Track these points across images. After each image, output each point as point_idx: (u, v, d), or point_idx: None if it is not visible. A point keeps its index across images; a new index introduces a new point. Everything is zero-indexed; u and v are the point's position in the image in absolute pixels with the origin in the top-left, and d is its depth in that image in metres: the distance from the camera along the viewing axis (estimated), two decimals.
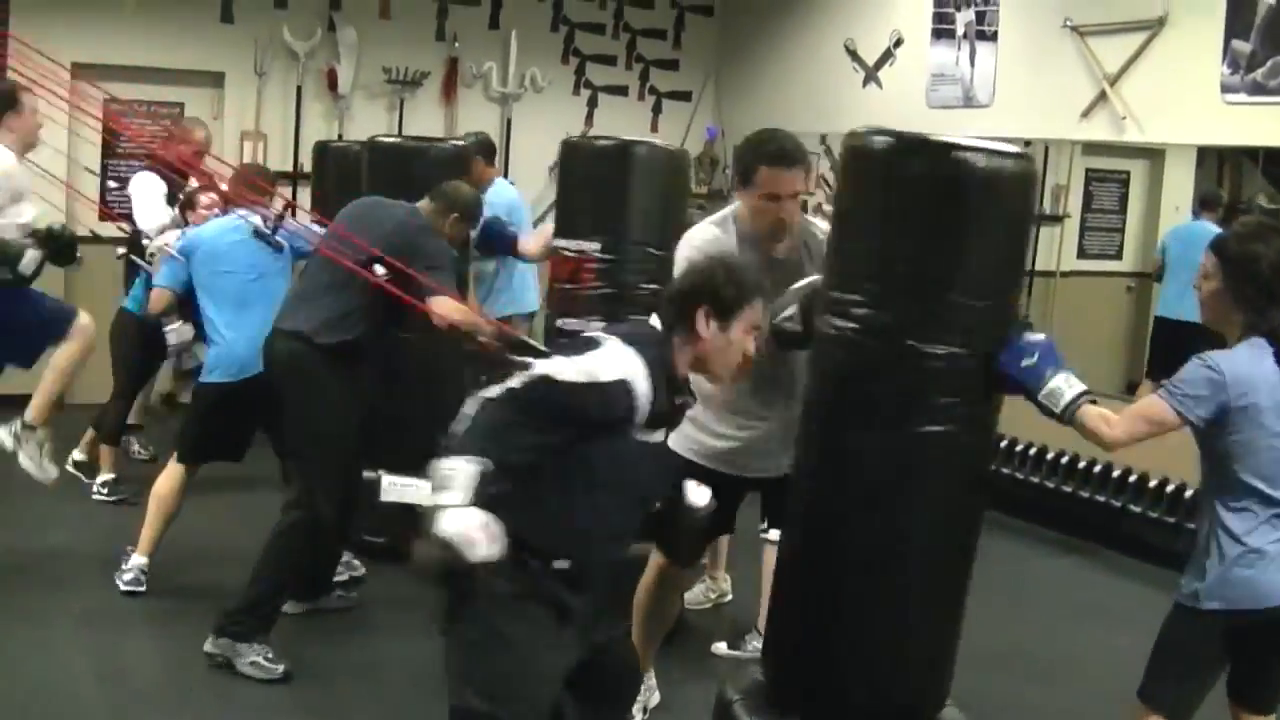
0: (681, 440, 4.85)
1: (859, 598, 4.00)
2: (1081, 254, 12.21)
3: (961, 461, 3.96)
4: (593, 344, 3.62)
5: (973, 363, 3.83)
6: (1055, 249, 11.88)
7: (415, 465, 6.97)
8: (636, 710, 5.19)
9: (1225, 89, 7.49)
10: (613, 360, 3.55)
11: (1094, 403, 3.88)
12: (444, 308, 5.59)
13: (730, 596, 6.52)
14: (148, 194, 8.40)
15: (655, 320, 3.78)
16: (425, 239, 5.76)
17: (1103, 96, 8.31)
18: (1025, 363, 3.84)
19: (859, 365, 3.89)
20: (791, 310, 4.37)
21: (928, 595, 4.05)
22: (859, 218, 3.99)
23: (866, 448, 3.92)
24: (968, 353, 3.82)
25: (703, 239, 4.78)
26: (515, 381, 3.50)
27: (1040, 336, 3.90)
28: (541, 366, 3.53)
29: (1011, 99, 9.06)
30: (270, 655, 5.59)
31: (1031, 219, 4.07)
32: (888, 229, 3.88)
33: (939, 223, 3.81)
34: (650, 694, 5.31)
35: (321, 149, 9.10)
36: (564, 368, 3.51)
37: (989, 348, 3.86)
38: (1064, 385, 3.85)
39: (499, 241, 7.45)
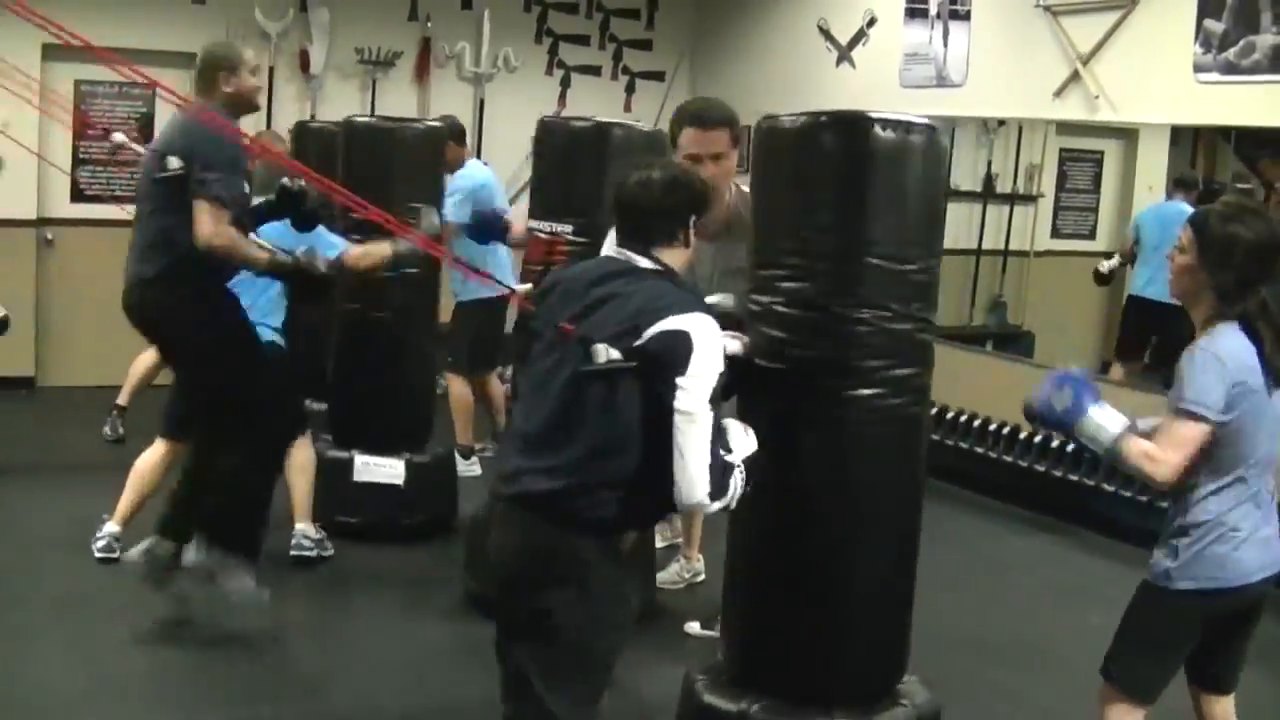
0: None
1: (806, 567, 4.04)
2: (1055, 234, 12.28)
3: (896, 425, 4.03)
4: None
5: (897, 325, 3.93)
6: (1029, 228, 11.94)
7: (387, 445, 7.06)
8: None
9: (1198, 69, 7.49)
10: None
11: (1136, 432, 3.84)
12: (203, 226, 5.32)
13: (704, 576, 6.52)
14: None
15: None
16: (200, 137, 5.50)
17: (1075, 76, 8.31)
18: (1059, 401, 3.84)
19: (786, 336, 3.98)
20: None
21: (876, 561, 4.09)
22: (775, 194, 4.10)
23: (802, 416, 3.99)
24: (891, 315, 3.92)
25: None
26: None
27: (1075, 370, 3.90)
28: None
29: (985, 79, 9.06)
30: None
31: (942, 187, 4.16)
32: (802, 202, 3.99)
33: (850, 193, 3.91)
34: None
35: (300, 129, 9.08)
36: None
37: (913, 314, 3.95)
38: (1103, 422, 3.81)
39: (492, 230, 7.47)
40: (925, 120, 4.01)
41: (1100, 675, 4.02)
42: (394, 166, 7.17)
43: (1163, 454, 3.74)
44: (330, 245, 6.24)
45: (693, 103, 4.85)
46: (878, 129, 3.88)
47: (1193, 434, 3.75)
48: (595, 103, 11.20)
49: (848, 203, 3.91)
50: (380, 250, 6.32)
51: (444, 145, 7.74)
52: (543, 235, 5.90)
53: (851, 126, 3.93)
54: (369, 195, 6.96)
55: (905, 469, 4.13)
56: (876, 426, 3.98)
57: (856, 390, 3.92)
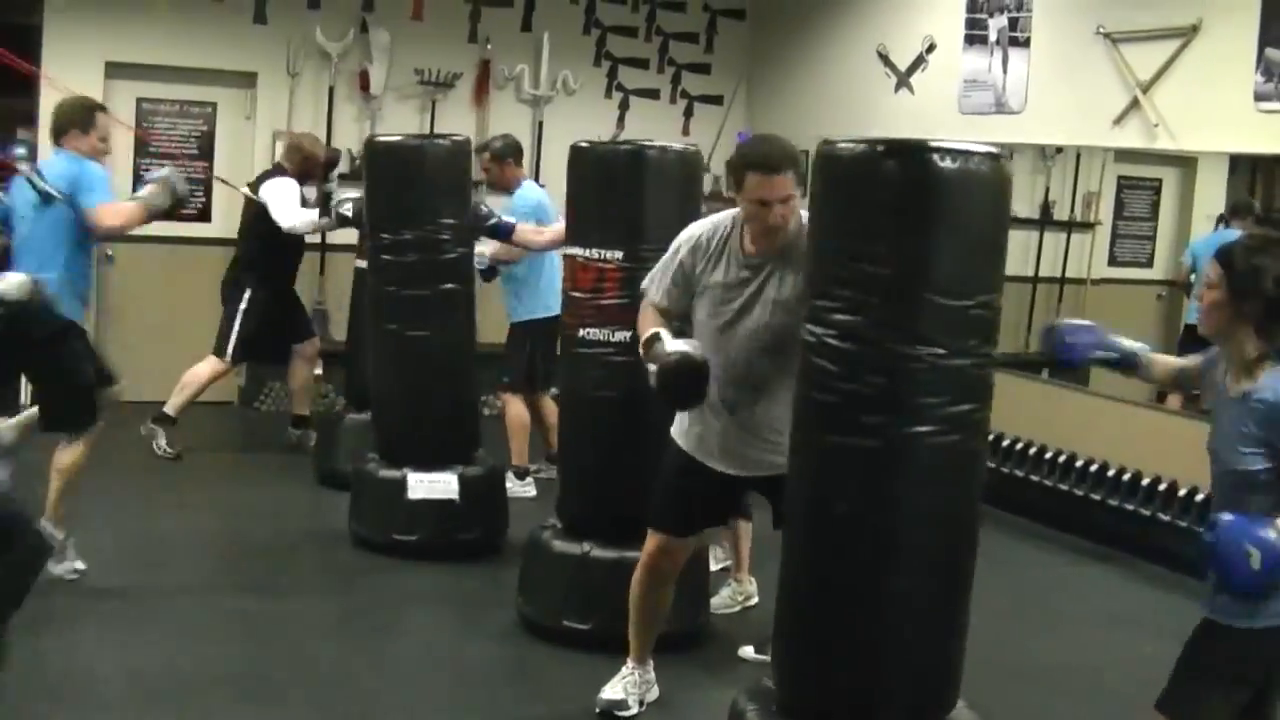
0: (681, 433, 5.09)
1: (858, 601, 4.00)
2: (1112, 261, 12.21)
3: (951, 461, 3.95)
4: None
5: (955, 362, 3.85)
6: (1086, 256, 11.87)
7: (436, 461, 7.09)
8: (633, 702, 5.29)
9: (1259, 97, 7.44)
10: None
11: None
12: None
13: (756, 600, 6.51)
14: (286, 196, 8.91)
15: None
16: None
17: (1135, 104, 8.27)
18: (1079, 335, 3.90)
19: (840, 370, 3.90)
20: (652, 367, 4.70)
21: (928, 594, 4.04)
22: (832, 224, 4.02)
23: (854, 451, 3.92)
24: (947, 353, 3.83)
25: (691, 232, 5.00)
26: None
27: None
28: None
29: (1044, 105, 9.02)
30: None
31: (1006, 218, 4.04)
32: (859, 232, 3.90)
33: (909, 224, 3.82)
34: (649, 688, 5.37)
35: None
36: None
37: (970, 349, 3.88)
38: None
39: (489, 229, 7.56)
40: (989, 148, 3.92)
41: (1156, 709, 3.96)
42: (421, 185, 7.22)
43: None
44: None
45: (755, 147, 4.81)
46: (939, 158, 3.77)
47: None
48: (653, 126, 11.27)
49: (907, 234, 3.82)
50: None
51: (469, 161, 7.71)
52: (589, 261, 5.89)
53: (913, 155, 3.82)
54: (397, 214, 7.15)
55: (961, 503, 4.06)
56: (932, 462, 3.91)
57: (911, 427, 3.85)
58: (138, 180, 10.23)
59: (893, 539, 3.96)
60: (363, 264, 8.81)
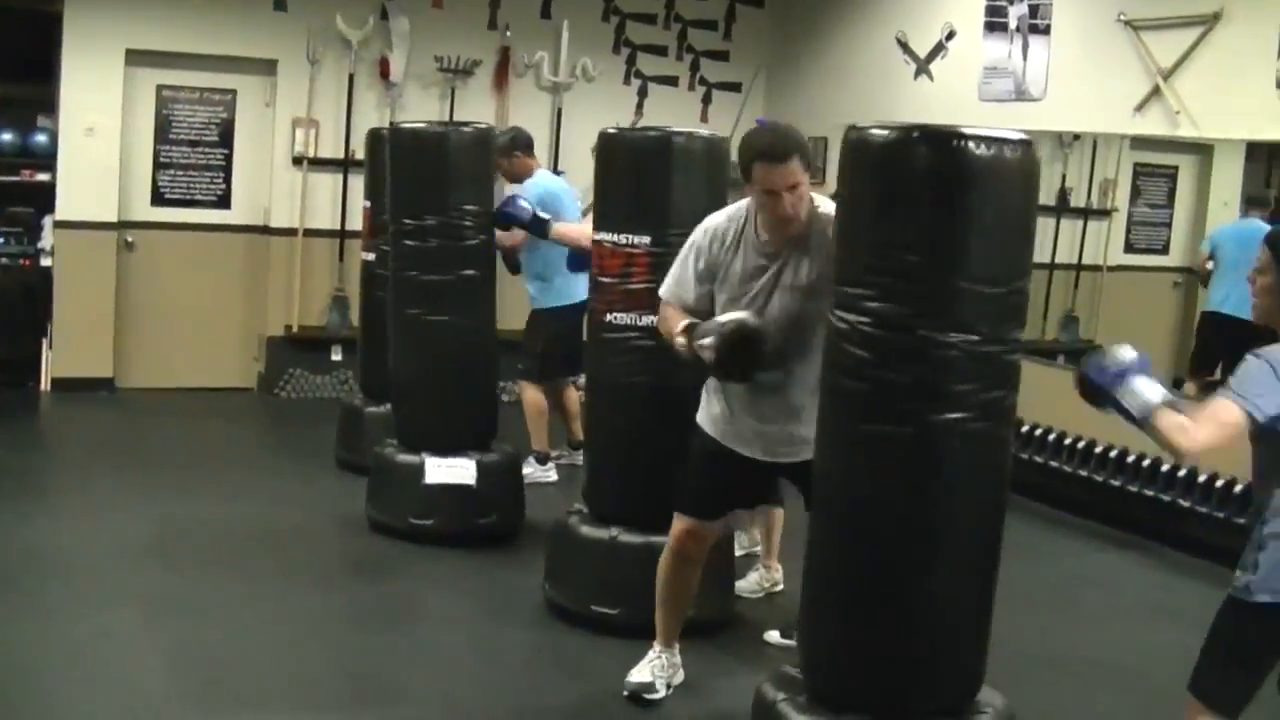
0: (708, 419, 5.09)
1: (886, 587, 4.03)
2: (1129, 248, 12.20)
3: (981, 447, 3.98)
4: None
5: (987, 349, 3.87)
6: (1102, 243, 11.87)
7: (455, 447, 7.11)
8: (660, 685, 5.30)
9: None
10: None
11: (1176, 410, 3.77)
12: None
13: (783, 586, 6.52)
14: None
15: None
16: None
17: (1157, 91, 8.27)
18: (1109, 366, 3.83)
19: (871, 357, 3.92)
20: (708, 341, 4.64)
21: (956, 581, 4.06)
22: (862, 211, 4.02)
23: (884, 438, 3.95)
24: (979, 339, 3.85)
25: (707, 226, 4.99)
26: None
27: (1129, 349, 3.88)
28: None
29: (1064, 93, 9.03)
30: None
31: (1035, 205, 4.06)
32: (891, 220, 3.91)
33: (941, 212, 3.84)
34: (675, 671, 5.38)
35: (375, 136, 9.13)
36: None
37: (1002, 336, 3.91)
38: (1144, 390, 3.79)
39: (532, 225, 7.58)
40: (1020, 135, 3.93)
41: (1188, 691, 3.99)
42: (444, 172, 7.23)
43: (1195, 427, 3.71)
44: None
45: (760, 137, 4.78)
46: (971, 144, 3.79)
47: (1231, 418, 3.72)
48: (672, 113, 11.29)
49: (939, 221, 3.84)
50: None
51: (493, 148, 7.73)
52: (617, 247, 5.90)
53: (944, 142, 3.83)
54: (420, 199, 7.17)
55: (989, 489, 4.08)
56: (962, 448, 3.93)
57: (942, 414, 3.87)
58: (157, 168, 10.33)
59: (923, 525, 3.99)
60: (369, 256, 8.85)
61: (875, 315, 3.89)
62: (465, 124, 7.79)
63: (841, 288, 4.02)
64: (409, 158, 7.34)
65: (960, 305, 3.84)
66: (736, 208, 4.97)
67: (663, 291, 5.07)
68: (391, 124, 7.56)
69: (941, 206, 3.84)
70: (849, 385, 4.00)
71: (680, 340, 4.82)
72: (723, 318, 4.69)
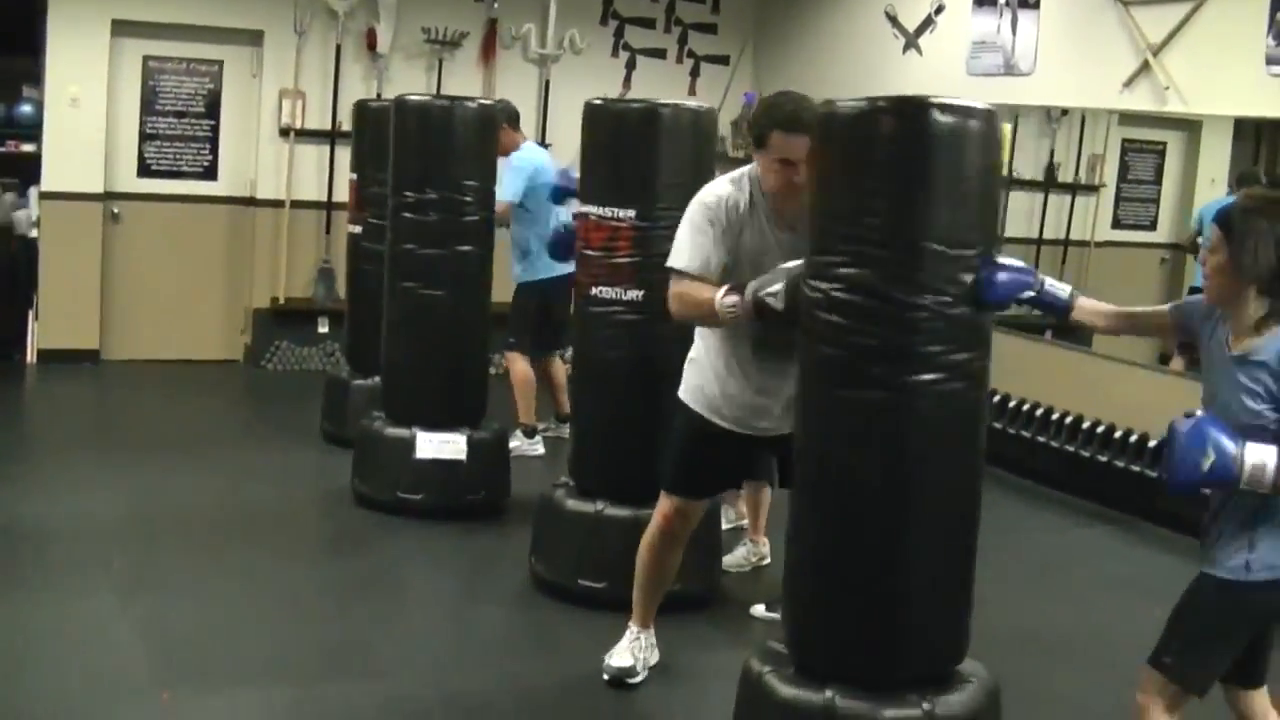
0: (694, 394, 5.05)
1: (865, 553, 4.03)
2: (1116, 224, 12.21)
3: (956, 409, 4.00)
4: None
5: (956, 311, 3.90)
6: (1090, 219, 11.88)
7: (445, 422, 7.10)
8: (640, 668, 5.28)
9: (1270, 61, 7.41)
10: None
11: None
12: None
13: (769, 560, 6.53)
14: None
15: None
16: None
17: (1145, 67, 8.25)
18: (1202, 458, 3.73)
19: (844, 323, 3.94)
20: (776, 288, 4.46)
21: (935, 546, 4.07)
22: (833, 180, 4.05)
23: (860, 402, 3.97)
24: (950, 300, 3.88)
25: (715, 194, 4.85)
26: None
27: (1194, 417, 3.81)
28: None
29: (1053, 68, 9.01)
30: None
31: (1000, 172, 4.12)
32: (860, 188, 3.94)
33: (908, 178, 3.88)
34: (653, 651, 5.36)
35: (361, 108, 9.10)
36: None
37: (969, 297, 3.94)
38: (1263, 458, 3.69)
39: (570, 248, 7.60)
40: (983, 105, 3.98)
41: (1148, 664, 3.98)
42: (447, 145, 7.20)
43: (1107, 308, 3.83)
44: None
45: (784, 104, 4.71)
46: (935, 113, 3.86)
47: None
48: (659, 86, 11.21)
49: (906, 188, 3.88)
50: None
51: (499, 126, 7.74)
52: (601, 220, 5.88)
53: (909, 111, 3.91)
54: (422, 173, 7.15)
55: (965, 452, 4.10)
56: (936, 411, 3.96)
57: (916, 375, 3.90)
58: (143, 140, 10.30)
59: (901, 489, 4.00)
60: (356, 229, 8.83)
61: (847, 281, 3.92)
62: (470, 99, 7.75)
63: (815, 257, 4.05)
64: (413, 131, 7.29)
65: (928, 267, 3.87)
66: (738, 176, 4.88)
67: (684, 265, 4.81)
68: (397, 97, 7.48)
69: (907, 173, 3.88)
70: (824, 352, 4.02)
71: (731, 299, 4.60)
72: (786, 265, 4.47)
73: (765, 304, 4.48)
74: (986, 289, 3.93)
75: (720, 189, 4.87)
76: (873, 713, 4.00)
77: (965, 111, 3.91)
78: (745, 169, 4.90)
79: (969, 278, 3.91)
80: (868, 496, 4.01)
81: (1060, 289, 4.24)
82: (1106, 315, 4.33)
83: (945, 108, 3.87)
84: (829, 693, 4.03)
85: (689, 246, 4.81)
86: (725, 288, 4.64)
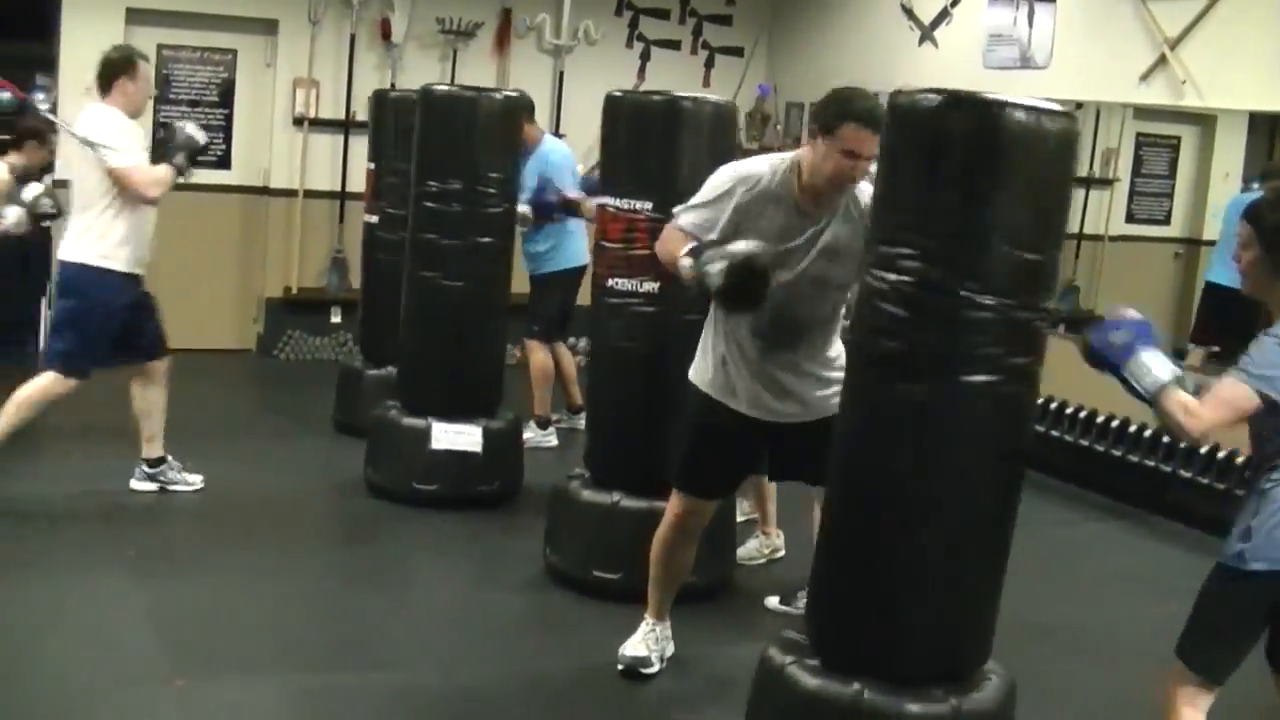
0: (702, 376, 5.04)
1: (903, 549, 4.03)
2: (1130, 218, 12.21)
3: (1007, 412, 3.99)
4: None
5: (1020, 314, 3.88)
6: (1104, 213, 11.87)
7: (461, 412, 7.10)
8: (655, 659, 5.28)
9: None
10: None
11: (1184, 388, 3.76)
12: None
13: (783, 552, 6.53)
14: None
15: None
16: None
17: (1162, 60, 8.23)
18: (1115, 337, 3.82)
19: (908, 317, 3.92)
20: (719, 266, 4.47)
21: (971, 547, 4.07)
22: (905, 174, 4.02)
23: (914, 398, 3.94)
24: (1015, 304, 3.87)
25: (744, 172, 4.84)
26: None
27: (1134, 313, 3.88)
28: None
29: (1069, 61, 8.99)
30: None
31: (1073, 175, 4.10)
32: (934, 184, 3.92)
33: (983, 177, 3.85)
34: (668, 643, 5.36)
35: (379, 98, 9.09)
36: None
37: (1035, 302, 3.91)
38: (1152, 364, 3.79)
39: (548, 210, 7.60)
40: (1061, 107, 3.96)
41: (1175, 655, 3.99)
42: (473, 136, 7.18)
43: (1201, 410, 3.71)
44: None
45: (859, 98, 4.64)
46: (1014, 113, 3.82)
47: (1238, 397, 3.73)
48: (674, 77, 11.21)
49: (979, 186, 3.85)
50: None
51: (522, 117, 7.72)
52: (620, 212, 5.88)
53: (986, 109, 3.86)
54: (446, 163, 7.14)
55: (1011, 456, 4.09)
56: (986, 412, 3.95)
57: (973, 376, 3.88)
58: (157, 128, 10.27)
59: (948, 487, 3.99)
60: (372, 218, 8.82)
61: (912, 274, 3.90)
62: (496, 90, 7.74)
63: (881, 247, 4.01)
64: (439, 121, 7.27)
65: (996, 268, 3.86)
66: (779, 159, 4.84)
67: (682, 220, 4.85)
68: (423, 87, 7.47)
69: (985, 172, 3.85)
70: (883, 344, 4.00)
71: (686, 261, 4.64)
72: (736, 245, 4.53)
73: (703, 276, 4.52)
74: (1090, 351, 3.90)
75: (753, 168, 4.84)
76: (900, 707, 4.00)
77: (1042, 112, 3.87)
78: (788, 155, 4.86)
79: (1034, 281, 3.90)
80: (906, 493, 4.00)
81: (1156, 370, 3.81)
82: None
83: (1022, 107, 3.84)
84: (857, 685, 4.02)
85: (696, 209, 4.85)
86: (690, 246, 4.66)
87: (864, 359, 4.11)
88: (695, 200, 4.86)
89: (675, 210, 4.92)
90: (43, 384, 6.72)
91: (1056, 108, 3.93)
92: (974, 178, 3.86)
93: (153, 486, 7.01)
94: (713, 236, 4.73)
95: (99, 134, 6.60)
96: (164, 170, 6.76)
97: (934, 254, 3.87)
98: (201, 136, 6.94)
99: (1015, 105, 3.83)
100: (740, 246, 4.51)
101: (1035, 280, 3.93)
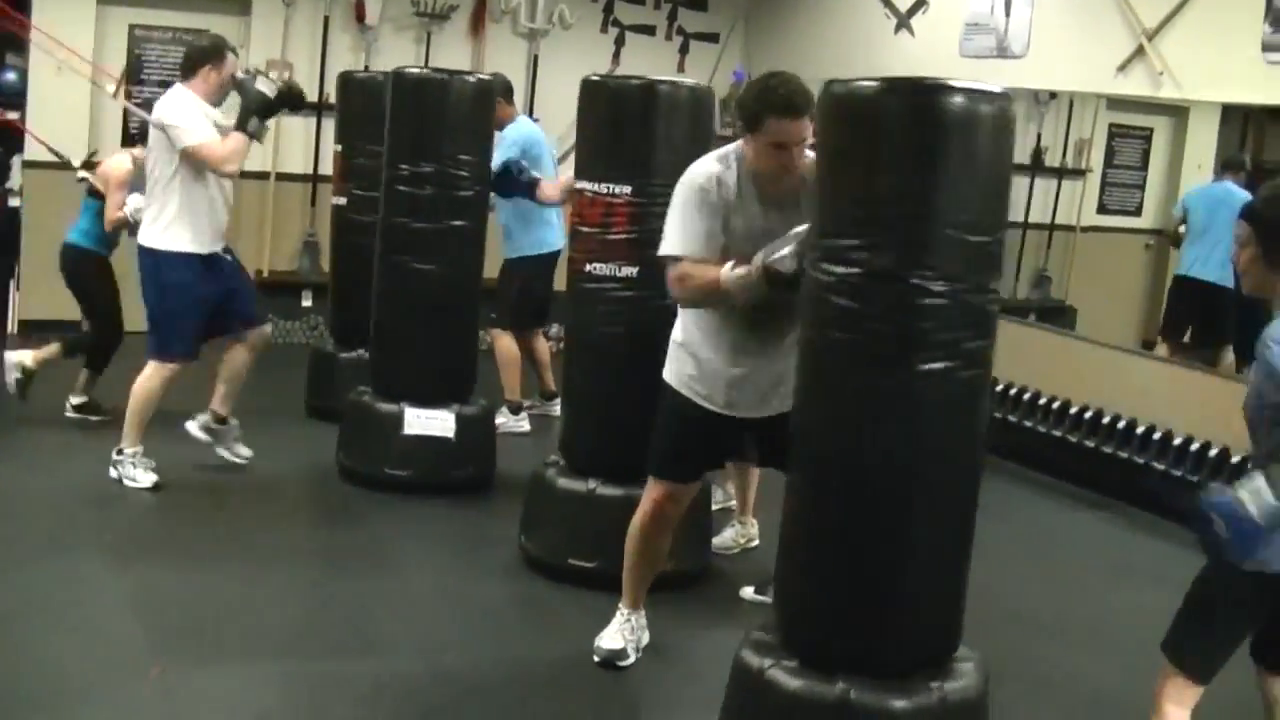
0: (679, 377, 5.00)
1: (865, 538, 4.01)
2: (1102, 209, 12.27)
3: (962, 396, 4.00)
4: None
5: (970, 298, 3.89)
6: (1076, 203, 11.90)
7: (434, 398, 7.07)
8: (631, 650, 5.26)
9: (1267, 48, 7.40)
10: None
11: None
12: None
13: (758, 541, 6.51)
14: None
15: None
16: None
17: (1140, 51, 8.23)
18: (1229, 525, 3.63)
19: (857, 307, 3.90)
20: (786, 251, 4.42)
21: (934, 533, 4.06)
22: (844, 162, 4.01)
23: (867, 387, 3.94)
24: (966, 287, 3.87)
25: (705, 173, 4.79)
26: None
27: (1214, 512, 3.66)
28: None
29: (1047, 51, 8.97)
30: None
31: (1012, 155, 4.09)
32: (873, 171, 3.91)
33: (923, 162, 3.84)
34: (643, 633, 5.34)
35: (345, 80, 9.03)
36: None
37: (985, 285, 3.93)
38: (1249, 488, 3.60)
39: (516, 185, 7.54)
40: (998, 89, 3.95)
41: (1161, 649, 3.97)
42: (445, 119, 7.15)
43: None
44: None
45: (778, 88, 4.62)
46: (951, 96, 3.82)
47: None
48: (648, 62, 11.19)
49: (921, 172, 3.84)
50: None
51: (495, 100, 7.68)
52: (597, 196, 5.85)
53: (925, 94, 3.87)
54: (417, 146, 7.10)
55: (969, 440, 4.10)
56: (944, 398, 3.94)
57: (928, 363, 3.87)
58: (129, 112, 10.21)
59: (906, 476, 3.98)
60: (341, 201, 8.77)
61: (860, 264, 3.87)
62: (468, 73, 7.71)
63: (827, 240, 3.99)
64: (411, 104, 7.23)
65: (943, 252, 3.85)
66: (723, 155, 4.82)
67: (681, 250, 4.75)
68: (395, 70, 7.42)
69: (925, 157, 3.84)
70: (835, 337, 3.98)
71: (740, 272, 4.54)
72: (794, 231, 4.44)
73: (775, 269, 4.44)
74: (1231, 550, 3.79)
75: (709, 168, 4.81)
76: (888, 702, 3.98)
77: (980, 95, 3.87)
78: (731, 147, 4.83)
79: (982, 263, 3.89)
80: (871, 481, 3.98)
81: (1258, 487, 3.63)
82: None
83: (960, 90, 3.83)
84: (843, 684, 4.00)
85: (683, 230, 4.76)
86: (730, 263, 4.59)
87: (817, 351, 4.08)
88: (682, 223, 4.77)
89: (664, 252, 4.82)
90: (147, 374, 6.96)
91: (993, 89, 3.93)
92: (915, 163, 3.85)
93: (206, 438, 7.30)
94: (714, 252, 4.70)
95: (171, 116, 6.59)
96: (235, 140, 6.70)
97: (881, 243, 3.86)
98: (270, 90, 6.84)
99: (950, 88, 3.83)
100: (796, 232, 4.43)
101: (983, 263, 3.93)
